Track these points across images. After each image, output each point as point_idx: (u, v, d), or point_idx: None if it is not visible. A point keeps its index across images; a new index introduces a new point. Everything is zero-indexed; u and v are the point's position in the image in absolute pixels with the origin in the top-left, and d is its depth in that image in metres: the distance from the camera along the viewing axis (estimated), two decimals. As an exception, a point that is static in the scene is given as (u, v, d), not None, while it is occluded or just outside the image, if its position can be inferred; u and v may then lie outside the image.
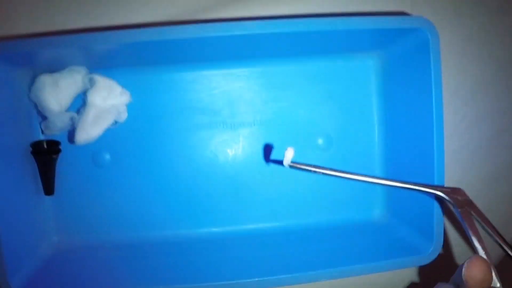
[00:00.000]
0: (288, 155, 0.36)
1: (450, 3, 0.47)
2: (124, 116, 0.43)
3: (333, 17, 0.37)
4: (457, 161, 0.48)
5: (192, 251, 0.43)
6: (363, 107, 0.46)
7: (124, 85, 0.42)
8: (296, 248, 0.44)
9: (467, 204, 0.38)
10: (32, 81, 0.41)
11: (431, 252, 0.40)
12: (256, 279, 0.38)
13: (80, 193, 0.44)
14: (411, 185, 0.39)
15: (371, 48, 0.44)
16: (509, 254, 0.36)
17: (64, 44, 0.36)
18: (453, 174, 0.47)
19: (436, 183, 0.39)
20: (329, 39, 0.40)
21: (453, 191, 0.39)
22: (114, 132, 0.43)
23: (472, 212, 0.37)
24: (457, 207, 0.37)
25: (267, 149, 0.45)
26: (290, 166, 0.36)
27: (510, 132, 0.49)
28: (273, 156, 0.45)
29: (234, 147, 0.45)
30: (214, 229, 0.45)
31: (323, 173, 0.37)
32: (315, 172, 0.37)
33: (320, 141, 0.46)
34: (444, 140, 0.39)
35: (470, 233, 0.36)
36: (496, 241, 0.37)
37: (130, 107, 0.43)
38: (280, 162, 0.37)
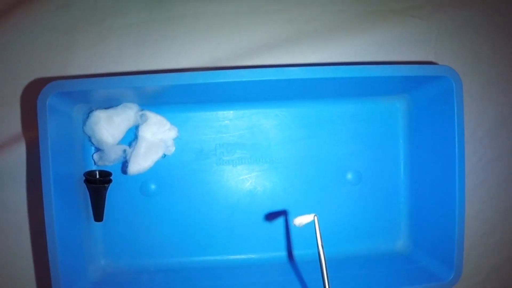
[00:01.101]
0: (304, 220, 0.36)
1: (470, 51, 0.51)
2: (172, 149, 0.45)
3: (366, 65, 0.40)
4: (476, 197, 0.51)
5: (230, 276, 0.46)
6: (390, 146, 0.49)
7: (172, 121, 0.45)
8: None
9: None
10: (87, 115, 0.43)
11: (452, 279, 0.42)
12: None
13: (127, 220, 0.46)
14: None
15: (399, 92, 0.47)
16: None
17: (118, 84, 0.38)
18: (471, 209, 0.50)
19: (457, 218, 0.42)
20: (361, 84, 0.42)
21: None
22: (161, 164, 0.45)
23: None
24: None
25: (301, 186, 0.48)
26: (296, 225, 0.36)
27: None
28: (306, 189, 0.48)
29: (272, 180, 0.47)
30: (252, 256, 0.48)
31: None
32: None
33: (350, 176, 0.48)
34: (465, 178, 0.42)
35: None
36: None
37: (177, 141, 0.46)
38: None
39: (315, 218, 0.35)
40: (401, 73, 0.40)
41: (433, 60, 0.50)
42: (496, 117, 0.51)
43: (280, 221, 0.48)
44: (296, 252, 0.48)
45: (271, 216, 0.48)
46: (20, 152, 0.47)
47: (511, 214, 0.52)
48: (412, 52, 0.49)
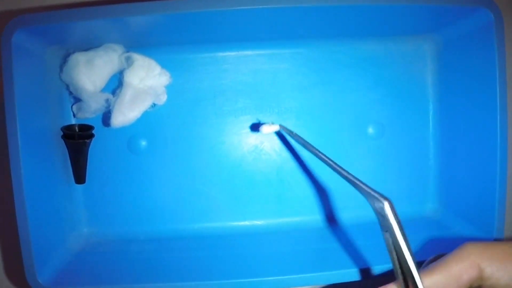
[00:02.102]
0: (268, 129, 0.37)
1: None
2: (163, 98, 0.41)
3: None
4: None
5: (231, 245, 0.41)
6: (417, 94, 0.44)
7: (163, 65, 0.40)
8: (344, 243, 0.42)
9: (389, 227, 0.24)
10: (64, 60, 0.39)
11: None
12: (310, 274, 0.36)
13: (113, 182, 0.42)
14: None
15: (426, 30, 0.42)
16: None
17: (100, 15, 0.33)
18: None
19: (498, 178, 0.37)
20: (381, 18, 0.38)
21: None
22: (151, 116, 0.41)
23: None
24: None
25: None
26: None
27: None
28: (321, 144, 0.42)
29: (281, 134, 0.43)
30: (257, 222, 0.43)
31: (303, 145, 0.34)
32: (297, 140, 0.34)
33: (371, 129, 0.44)
34: (507, 132, 0.37)
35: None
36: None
37: (169, 88, 0.41)
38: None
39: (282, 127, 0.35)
40: (431, 2, 0.35)
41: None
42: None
43: (289, 182, 0.43)
44: (307, 218, 0.44)
45: (279, 176, 0.43)
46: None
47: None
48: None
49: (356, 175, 0.42)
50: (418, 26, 0.41)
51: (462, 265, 0.25)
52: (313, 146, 0.32)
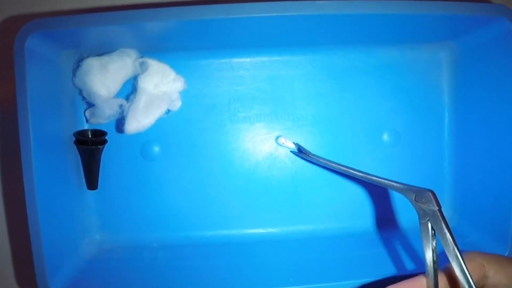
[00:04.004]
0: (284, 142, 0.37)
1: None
2: (178, 104, 0.40)
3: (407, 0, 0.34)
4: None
5: (246, 252, 0.41)
6: (433, 102, 0.43)
7: (178, 71, 0.40)
8: (356, 252, 0.41)
9: (431, 214, 0.29)
10: (77, 64, 0.38)
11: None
12: (325, 284, 0.36)
13: (126, 188, 0.42)
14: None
15: (443, 38, 0.42)
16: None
17: (115, 21, 0.33)
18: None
19: None
20: (398, 26, 0.37)
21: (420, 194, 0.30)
22: (165, 122, 0.40)
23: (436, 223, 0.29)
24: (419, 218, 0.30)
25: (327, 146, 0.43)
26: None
27: None
28: (335, 151, 0.42)
29: (297, 141, 0.42)
30: (272, 230, 0.43)
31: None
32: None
33: (386, 136, 0.43)
34: None
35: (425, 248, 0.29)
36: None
37: (183, 94, 0.41)
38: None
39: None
40: (448, 11, 0.34)
41: None
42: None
43: (304, 189, 0.43)
44: (322, 226, 0.43)
45: (294, 184, 0.43)
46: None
47: None
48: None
49: (371, 183, 0.43)
50: (435, 34, 0.41)
51: (470, 264, 0.27)
52: (334, 162, 0.32)
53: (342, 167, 0.32)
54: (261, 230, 0.43)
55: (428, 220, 0.29)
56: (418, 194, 0.30)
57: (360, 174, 0.32)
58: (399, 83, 0.43)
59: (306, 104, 0.42)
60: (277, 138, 0.38)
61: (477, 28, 0.38)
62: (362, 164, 0.43)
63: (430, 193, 0.29)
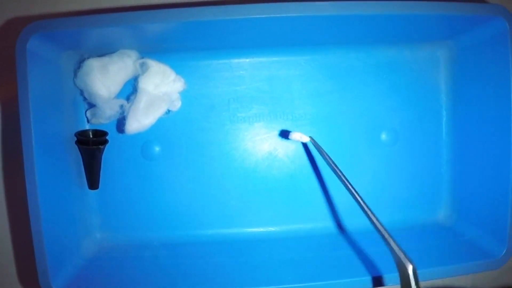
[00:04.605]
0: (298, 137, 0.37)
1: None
2: (178, 104, 0.41)
3: (404, 1, 0.35)
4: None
5: (245, 251, 0.41)
6: (431, 101, 0.44)
7: (178, 71, 0.40)
8: (357, 250, 0.42)
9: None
10: (78, 65, 0.39)
11: (503, 255, 0.38)
12: (323, 282, 0.36)
13: (127, 188, 0.42)
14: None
15: (440, 38, 0.42)
16: None
17: (115, 22, 0.33)
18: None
19: (510, 184, 0.37)
20: (396, 26, 0.37)
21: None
22: (165, 122, 0.41)
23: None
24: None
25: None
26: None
27: None
28: (334, 150, 0.41)
29: (295, 141, 0.42)
30: (272, 229, 0.43)
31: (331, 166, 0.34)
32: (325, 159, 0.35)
33: (384, 136, 0.43)
34: None
35: None
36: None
37: (183, 95, 0.41)
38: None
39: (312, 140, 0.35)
40: (445, 11, 0.35)
41: (483, -1, 0.43)
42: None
43: (303, 188, 0.43)
44: (321, 224, 0.44)
45: (293, 183, 0.43)
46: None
47: None
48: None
49: (370, 183, 0.43)
50: (433, 34, 0.41)
51: None
52: (342, 173, 0.32)
53: (344, 180, 0.32)
54: (261, 229, 0.43)
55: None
56: (400, 262, 0.28)
57: (356, 196, 0.32)
58: (397, 82, 0.43)
59: (305, 104, 0.42)
60: (288, 133, 0.39)
61: (474, 28, 0.38)
62: (361, 163, 0.43)
63: (410, 268, 0.27)
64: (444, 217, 0.45)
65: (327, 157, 0.34)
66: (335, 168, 0.33)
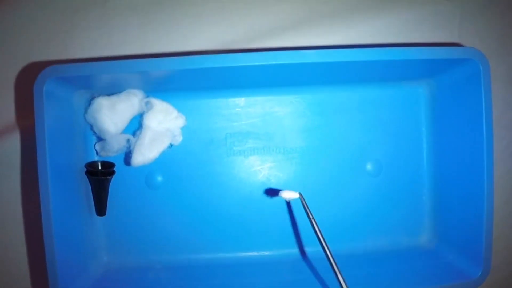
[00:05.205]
0: (290, 195, 0.37)
1: (496, 32, 0.48)
2: (179, 139, 0.43)
3: (386, 47, 0.37)
4: (503, 186, 0.48)
5: (242, 274, 0.43)
6: (412, 134, 0.46)
7: (179, 109, 0.42)
8: (346, 273, 0.43)
9: None
10: (89, 103, 0.41)
11: (479, 276, 0.39)
12: None
13: (132, 214, 0.44)
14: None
15: (422, 76, 0.45)
16: None
17: (122, 69, 0.36)
18: (497, 199, 0.47)
19: (485, 210, 0.39)
20: (381, 68, 0.40)
21: None
22: (167, 155, 0.43)
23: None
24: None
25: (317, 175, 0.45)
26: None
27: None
28: (323, 181, 0.45)
29: (287, 172, 0.45)
30: (265, 253, 0.45)
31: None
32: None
33: (369, 166, 0.46)
34: (493, 167, 0.39)
35: None
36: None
37: (184, 130, 0.43)
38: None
39: (301, 196, 0.37)
40: (424, 56, 0.37)
41: (457, 41, 0.46)
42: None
43: (295, 215, 0.45)
44: (312, 249, 0.46)
45: (285, 210, 0.45)
46: (14, 142, 0.45)
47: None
48: (434, 33, 0.47)
49: (356, 210, 0.46)
50: (414, 74, 0.43)
51: None
52: (322, 236, 0.35)
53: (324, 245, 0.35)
54: (255, 253, 0.45)
55: None
56: None
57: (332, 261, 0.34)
58: (381, 117, 0.45)
59: (296, 138, 0.45)
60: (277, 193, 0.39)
61: (452, 68, 0.40)
62: (348, 192, 0.45)
63: None
64: (426, 241, 0.47)
65: (310, 215, 0.36)
66: (316, 227, 0.36)
